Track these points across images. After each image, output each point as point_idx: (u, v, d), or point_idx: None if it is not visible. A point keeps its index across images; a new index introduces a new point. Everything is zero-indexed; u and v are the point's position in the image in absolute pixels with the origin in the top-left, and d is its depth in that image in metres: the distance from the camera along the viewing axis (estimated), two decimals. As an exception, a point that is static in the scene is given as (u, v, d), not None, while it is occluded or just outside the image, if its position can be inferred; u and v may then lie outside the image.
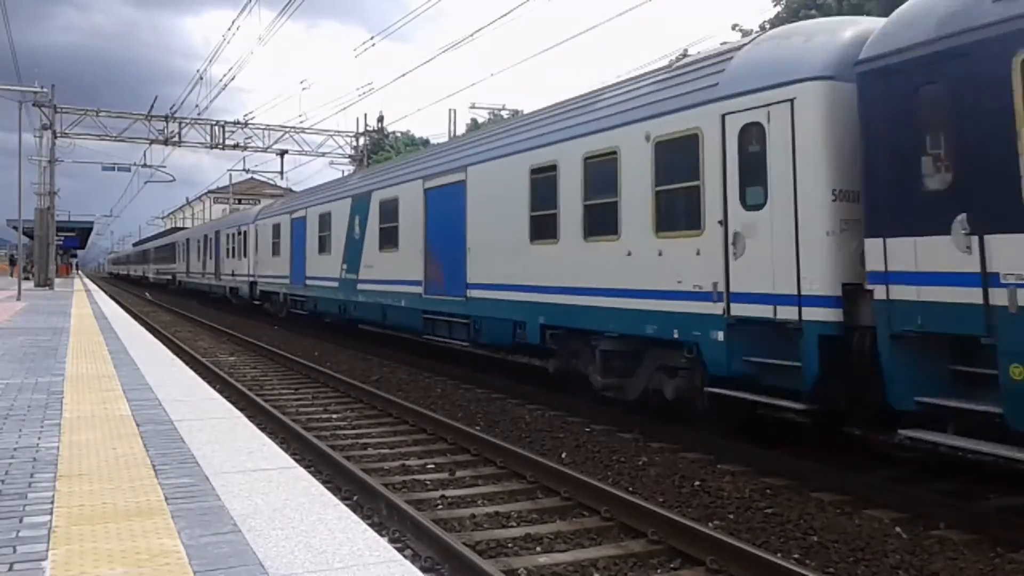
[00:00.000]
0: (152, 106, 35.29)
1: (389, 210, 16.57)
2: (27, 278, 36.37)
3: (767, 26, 22.85)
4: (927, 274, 6.25)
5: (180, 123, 35.71)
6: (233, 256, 31.17)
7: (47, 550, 3.28)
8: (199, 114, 35.72)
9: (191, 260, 42.54)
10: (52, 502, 3.93)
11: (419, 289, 14.89)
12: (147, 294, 52.68)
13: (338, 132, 38.74)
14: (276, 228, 25.37)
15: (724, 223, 8.06)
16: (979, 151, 5.93)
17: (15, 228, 34.62)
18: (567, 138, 10.70)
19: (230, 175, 60.25)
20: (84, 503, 3.91)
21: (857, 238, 6.98)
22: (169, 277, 51.30)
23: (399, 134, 49.75)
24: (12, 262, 45.58)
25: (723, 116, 8.13)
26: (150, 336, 14.48)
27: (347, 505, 4.26)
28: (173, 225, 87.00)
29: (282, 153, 38.05)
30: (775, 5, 26.18)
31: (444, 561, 5.43)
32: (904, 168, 6.47)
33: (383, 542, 3.45)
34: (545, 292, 11.01)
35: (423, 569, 5.00)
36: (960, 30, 6.03)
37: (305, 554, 3.23)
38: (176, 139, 35.93)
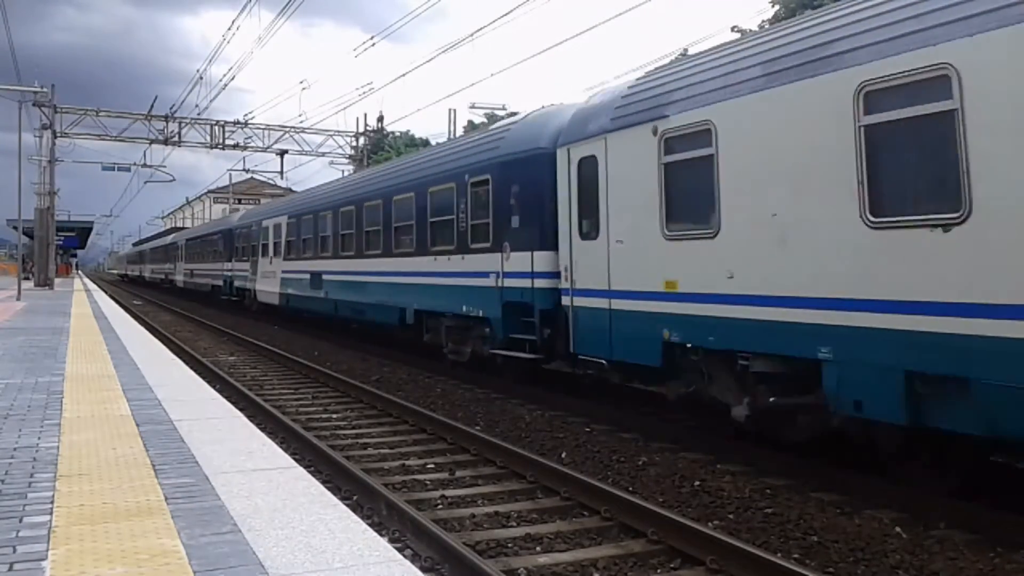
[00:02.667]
0: (152, 106, 35.38)
1: None
2: (27, 278, 36.38)
3: (766, 26, 22.83)
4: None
5: (180, 123, 35.76)
6: None
7: (47, 550, 3.28)
8: (199, 114, 35.78)
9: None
10: (52, 502, 3.93)
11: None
12: None
13: (338, 132, 38.82)
14: None
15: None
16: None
17: (15, 228, 34.61)
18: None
19: (230, 175, 60.32)
20: (84, 503, 3.92)
21: None
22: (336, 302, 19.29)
23: (399, 134, 49.72)
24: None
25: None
26: (150, 336, 14.49)
27: (347, 505, 4.27)
28: (173, 225, 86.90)
29: (282, 153, 38.09)
30: (773, 5, 26.19)
31: (444, 561, 5.43)
32: None
33: (383, 542, 3.45)
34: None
35: (423, 569, 5.01)
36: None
37: (305, 554, 3.23)
38: (176, 139, 35.98)
